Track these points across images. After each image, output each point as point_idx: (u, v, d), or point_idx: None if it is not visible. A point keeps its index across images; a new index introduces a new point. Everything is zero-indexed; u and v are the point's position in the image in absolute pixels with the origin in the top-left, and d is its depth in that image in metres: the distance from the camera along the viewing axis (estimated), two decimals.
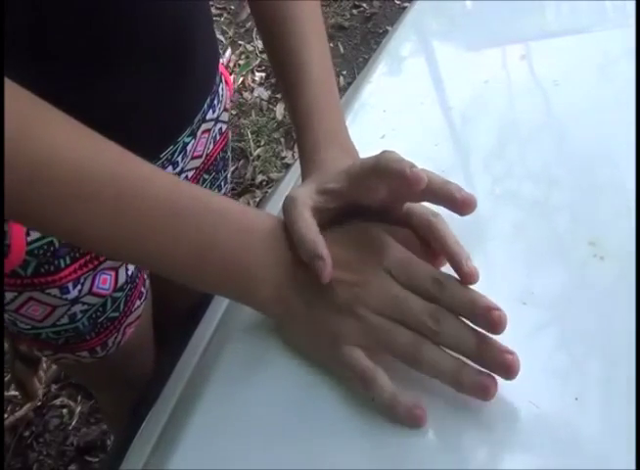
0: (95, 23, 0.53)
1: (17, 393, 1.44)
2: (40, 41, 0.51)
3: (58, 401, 1.47)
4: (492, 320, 0.39)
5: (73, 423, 1.43)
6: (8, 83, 0.39)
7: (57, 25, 0.51)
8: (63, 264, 0.63)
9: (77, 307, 0.67)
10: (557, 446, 0.38)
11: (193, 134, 0.69)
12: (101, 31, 0.53)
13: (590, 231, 0.48)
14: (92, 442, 1.39)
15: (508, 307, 0.39)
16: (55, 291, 0.64)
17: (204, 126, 0.71)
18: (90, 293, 0.66)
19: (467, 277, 0.41)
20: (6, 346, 1.23)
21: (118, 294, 0.70)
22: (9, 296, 0.63)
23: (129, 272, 0.70)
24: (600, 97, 0.60)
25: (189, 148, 0.69)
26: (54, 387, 1.50)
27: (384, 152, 0.43)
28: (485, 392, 0.39)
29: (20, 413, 1.44)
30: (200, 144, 0.71)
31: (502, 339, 0.40)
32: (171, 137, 0.66)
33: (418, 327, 0.41)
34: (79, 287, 0.65)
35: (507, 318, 0.39)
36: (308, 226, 0.43)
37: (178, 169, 0.69)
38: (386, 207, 0.46)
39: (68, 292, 0.64)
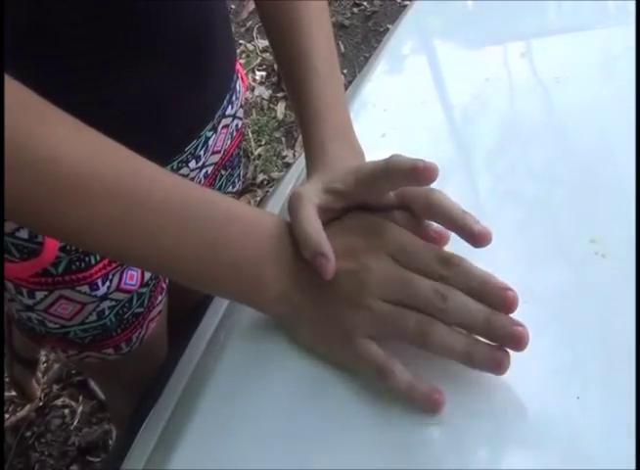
0: (114, 19, 0.53)
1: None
2: (53, 36, 0.51)
3: (59, 402, 1.47)
4: (506, 300, 0.39)
5: (75, 423, 1.43)
6: (10, 82, 0.39)
7: (69, 18, 0.51)
8: (93, 261, 0.63)
9: (105, 304, 0.67)
10: (557, 445, 0.38)
11: (214, 129, 0.70)
12: (122, 27, 0.54)
13: (591, 229, 0.48)
14: (94, 442, 1.39)
15: None
16: (85, 288, 0.64)
17: (223, 122, 0.72)
18: (118, 289, 0.67)
19: (480, 238, 0.40)
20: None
21: (144, 289, 0.71)
22: (39, 295, 0.64)
23: None
24: (601, 95, 0.60)
25: (210, 142, 0.70)
26: (55, 387, 1.50)
27: (393, 156, 0.43)
28: (498, 365, 0.39)
29: (21, 414, 1.44)
30: (219, 139, 0.72)
31: None
32: (195, 131, 0.67)
33: (425, 307, 0.40)
34: (108, 283, 0.66)
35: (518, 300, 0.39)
36: (312, 224, 0.43)
37: (200, 164, 0.70)
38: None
39: (98, 288, 0.65)
